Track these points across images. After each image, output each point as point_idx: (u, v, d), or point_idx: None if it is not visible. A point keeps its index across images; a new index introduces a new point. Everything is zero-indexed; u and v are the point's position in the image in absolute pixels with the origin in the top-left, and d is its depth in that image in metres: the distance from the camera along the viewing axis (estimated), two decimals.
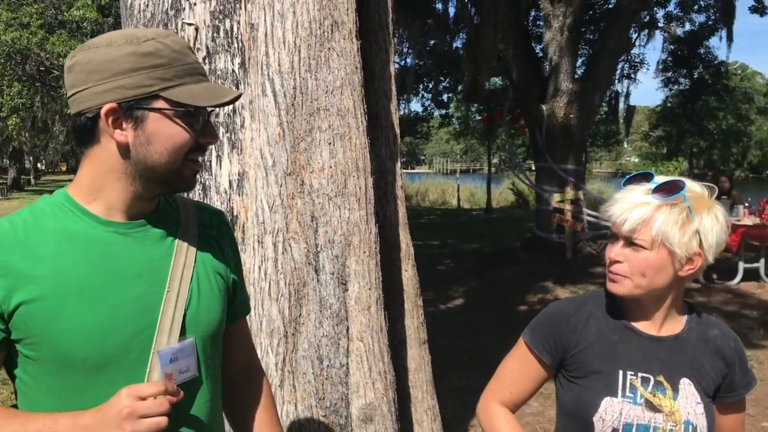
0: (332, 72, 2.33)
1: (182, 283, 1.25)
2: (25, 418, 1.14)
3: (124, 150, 1.17)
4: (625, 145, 47.74)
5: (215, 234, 1.39)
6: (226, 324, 1.40)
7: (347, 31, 2.38)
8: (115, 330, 1.16)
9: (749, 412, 4.80)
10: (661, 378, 1.49)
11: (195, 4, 2.34)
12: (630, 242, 1.45)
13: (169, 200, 1.34)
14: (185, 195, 2.26)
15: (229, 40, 2.32)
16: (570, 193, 10.72)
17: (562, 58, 10.71)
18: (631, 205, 1.44)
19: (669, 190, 1.43)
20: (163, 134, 1.16)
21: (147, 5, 2.41)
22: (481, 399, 1.71)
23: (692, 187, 1.46)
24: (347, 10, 2.39)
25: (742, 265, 8.94)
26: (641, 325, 1.54)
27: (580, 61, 14.14)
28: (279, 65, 2.28)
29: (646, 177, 1.50)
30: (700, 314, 1.59)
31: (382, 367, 2.39)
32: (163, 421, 1.08)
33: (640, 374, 1.49)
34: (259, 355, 2.22)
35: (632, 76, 17.35)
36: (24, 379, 1.19)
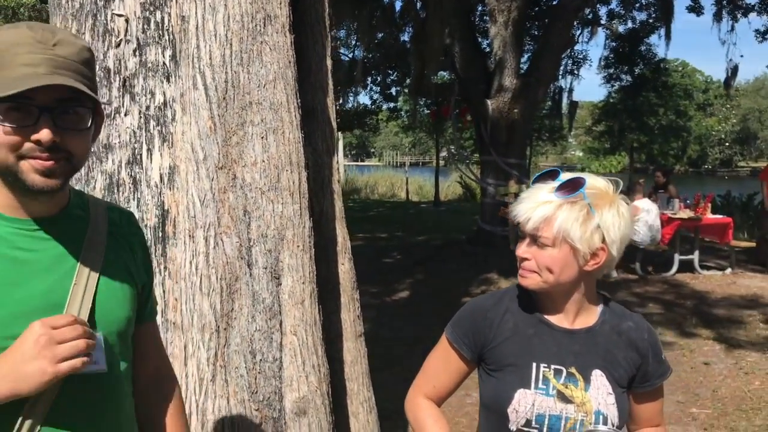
0: (265, 66, 2.33)
1: (90, 279, 1.22)
2: None
3: None
4: (570, 140, 48.67)
5: (126, 233, 1.37)
6: (136, 324, 1.38)
7: (280, 25, 2.37)
8: (22, 326, 1.12)
9: (679, 399, 4.99)
10: (573, 370, 1.54)
11: None
12: (535, 240, 1.50)
13: (79, 201, 1.32)
14: (116, 194, 2.24)
15: (160, 32, 2.29)
16: (514, 186, 10.88)
17: (506, 53, 10.85)
18: (535, 204, 1.49)
19: (569, 188, 1.48)
20: None
21: None
22: (408, 393, 1.75)
23: (595, 183, 1.51)
24: (280, 3, 2.38)
25: (677, 257, 9.24)
26: (555, 319, 1.59)
27: (525, 56, 14.36)
28: (210, 58, 2.26)
29: (553, 175, 1.55)
30: (615, 307, 1.65)
31: (315, 360, 2.40)
32: (81, 343, 1.08)
33: (553, 366, 1.54)
34: (191, 351, 2.21)
35: (575, 71, 17.73)
36: None
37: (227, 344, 2.24)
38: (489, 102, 11.02)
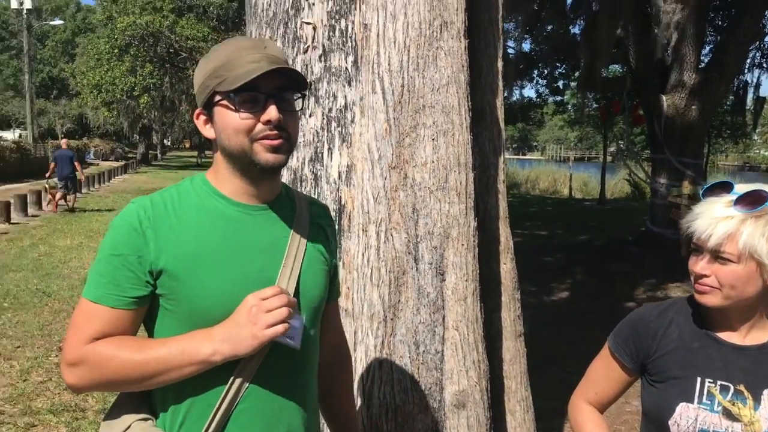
0: (439, 70, 2.42)
1: (295, 261, 1.44)
2: (161, 340, 1.35)
3: (216, 144, 1.40)
4: (755, 138, 44.76)
5: (323, 224, 1.59)
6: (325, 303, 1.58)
7: (456, 30, 2.46)
8: (242, 296, 1.33)
9: None
10: (741, 387, 1.50)
11: (313, 4, 2.48)
12: (717, 256, 1.46)
13: (287, 192, 1.55)
14: (299, 189, 2.45)
15: (344, 39, 2.46)
16: (688, 187, 10.27)
17: (686, 46, 10.23)
18: (715, 220, 1.44)
19: (752, 201, 1.42)
20: (226, 123, 1.35)
21: (269, 4, 2.58)
22: (571, 397, 1.80)
23: None
24: (456, 10, 2.46)
25: None
26: (724, 334, 1.55)
27: (707, 49, 13.43)
28: (389, 64, 2.39)
29: (726, 187, 1.50)
30: None
31: (476, 356, 2.47)
32: (284, 311, 1.28)
33: (719, 382, 1.51)
34: (360, 337, 2.37)
35: (764, 65, 16.25)
36: (160, 331, 1.39)
37: (393, 334, 2.37)
38: (664, 97, 10.46)
